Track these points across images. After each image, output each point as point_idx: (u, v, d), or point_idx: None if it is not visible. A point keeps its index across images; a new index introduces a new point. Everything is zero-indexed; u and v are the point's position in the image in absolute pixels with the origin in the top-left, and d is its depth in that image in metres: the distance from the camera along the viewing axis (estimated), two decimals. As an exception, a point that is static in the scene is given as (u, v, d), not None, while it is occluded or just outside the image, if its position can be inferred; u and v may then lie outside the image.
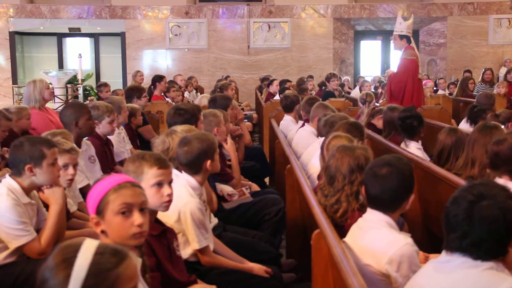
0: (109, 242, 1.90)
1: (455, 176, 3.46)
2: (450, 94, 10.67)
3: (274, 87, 10.34)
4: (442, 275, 1.95)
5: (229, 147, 4.43)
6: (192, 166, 3.03)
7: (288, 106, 6.45)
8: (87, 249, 1.40)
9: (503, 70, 12.55)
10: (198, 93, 11.65)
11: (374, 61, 16.49)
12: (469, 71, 13.16)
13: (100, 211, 1.95)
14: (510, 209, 1.87)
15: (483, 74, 11.36)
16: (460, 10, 15.13)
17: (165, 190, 2.45)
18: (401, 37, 7.41)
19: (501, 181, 3.07)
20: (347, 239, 2.59)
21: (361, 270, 2.32)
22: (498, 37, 15.10)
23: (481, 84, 10.87)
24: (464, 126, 5.57)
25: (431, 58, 15.86)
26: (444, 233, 1.97)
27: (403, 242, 2.35)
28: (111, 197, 1.93)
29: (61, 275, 1.36)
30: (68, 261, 1.37)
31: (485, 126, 3.73)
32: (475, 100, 7.20)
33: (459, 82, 10.83)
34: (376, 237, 2.43)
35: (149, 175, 2.41)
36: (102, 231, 1.95)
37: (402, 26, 7.46)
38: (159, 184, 2.43)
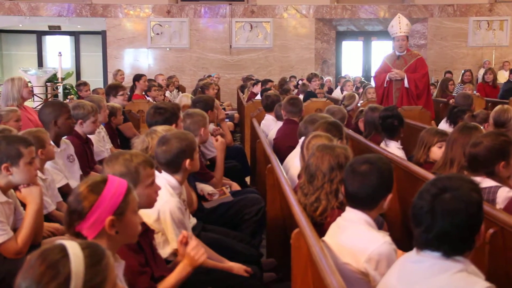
0: (115, 243, 1.96)
1: (435, 176, 3.48)
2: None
3: (259, 88, 10.34)
4: (415, 284, 1.95)
5: (219, 145, 4.40)
6: (171, 165, 3.02)
7: (269, 105, 6.45)
8: (73, 247, 1.44)
9: (482, 72, 12.70)
10: (180, 92, 11.60)
11: (355, 61, 16.58)
12: (449, 72, 13.30)
13: (121, 212, 1.95)
14: (473, 202, 1.88)
15: (462, 75, 11.48)
16: (440, 12, 15.29)
17: (156, 187, 2.50)
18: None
19: (478, 180, 3.09)
20: (326, 238, 2.59)
21: (340, 269, 2.32)
22: (478, 39, 15.28)
23: (461, 85, 10.96)
24: (444, 126, 5.62)
25: (412, 59, 15.98)
26: (413, 228, 1.97)
27: (381, 241, 2.36)
28: (130, 197, 1.98)
29: (55, 282, 1.37)
30: (55, 265, 1.39)
31: (465, 126, 3.75)
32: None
33: (439, 83, 10.93)
34: (354, 236, 2.44)
35: (145, 176, 2.43)
36: (116, 232, 1.95)
37: (408, 27, 7.64)
38: (152, 183, 2.47)
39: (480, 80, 12.37)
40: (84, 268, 1.41)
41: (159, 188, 2.54)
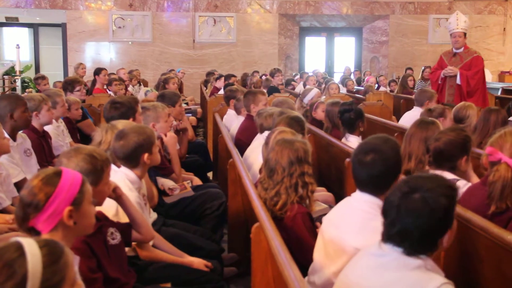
0: (71, 234, 1.95)
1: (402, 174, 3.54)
2: (392, 91, 10.92)
3: (222, 82, 10.31)
4: (374, 276, 1.97)
5: (169, 140, 4.35)
6: (129, 160, 2.98)
7: (231, 100, 6.44)
8: (31, 245, 1.41)
9: (441, 68, 12.93)
10: (142, 87, 11.47)
11: (318, 57, 16.70)
12: (410, 68, 13.52)
13: (78, 202, 1.94)
14: (440, 206, 1.88)
15: (422, 72, 11.69)
16: (401, 9, 15.53)
17: (110, 183, 2.50)
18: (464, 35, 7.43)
19: (438, 173, 3.16)
20: (331, 215, 2.61)
21: (345, 250, 2.38)
22: (438, 36, 15.58)
23: (421, 81, 11.17)
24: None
25: (374, 56, 16.21)
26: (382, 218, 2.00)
27: None
28: (85, 188, 1.98)
29: (10, 282, 1.34)
30: (11, 265, 1.36)
31: (423, 121, 3.81)
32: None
33: (399, 80, 11.11)
34: (366, 223, 2.41)
35: (107, 173, 2.44)
36: (74, 223, 1.93)
37: (466, 24, 7.46)
38: (108, 180, 2.47)
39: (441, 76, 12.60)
40: (41, 267, 1.38)
41: (112, 183, 2.52)
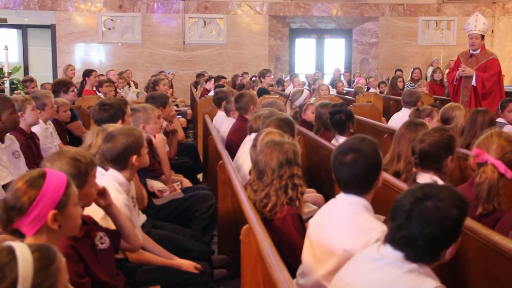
0: (56, 237, 1.93)
1: (383, 172, 3.54)
2: (381, 92, 10.97)
3: (212, 84, 10.30)
4: (366, 278, 1.98)
5: (158, 141, 4.34)
6: (117, 162, 2.96)
7: (221, 102, 6.44)
8: (23, 250, 1.40)
9: (431, 70, 13.02)
10: (131, 88, 11.42)
11: (308, 59, 16.74)
12: (400, 70, 13.60)
13: (63, 205, 1.91)
14: (450, 217, 1.88)
15: (412, 73, 11.75)
16: (391, 11, 15.60)
17: (95, 185, 2.47)
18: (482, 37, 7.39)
19: (427, 176, 3.17)
20: (318, 218, 2.61)
21: (335, 252, 2.39)
22: (427, 38, 15.68)
23: (410, 83, 11.22)
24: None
25: (364, 57, 16.28)
26: (388, 221, 2.00)
27: (379, 229, 2.36)
28: (71, 190, 1.95)
29: (1, 286, 1.34)
30: (2, 268, 1.35)
31: (412, 122, 3.83)
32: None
33: (389, 81, 11.16)
34: (352, 224, 2.43)
35: (92, 176, 2.41)
36: (59, 226, 1.91)
37: (485, 26, 7.41)
38: (94, 182, 2.45)
39: (428, 78, 12.69)
40: (32, 272, 1.37)
41: (98, 186, 2.51)
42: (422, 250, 1.89)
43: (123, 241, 2.70)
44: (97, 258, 2.44)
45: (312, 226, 2.63)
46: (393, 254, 1.93)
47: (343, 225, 2.45)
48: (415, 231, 1.87)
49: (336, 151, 2.54)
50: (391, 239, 1.94)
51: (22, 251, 1.40)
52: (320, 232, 2.54)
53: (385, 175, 3.47)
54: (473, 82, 7.25)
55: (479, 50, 7.42)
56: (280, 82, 11.76)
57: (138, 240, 2.81)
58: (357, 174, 2.44)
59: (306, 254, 2.62)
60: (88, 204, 2.46)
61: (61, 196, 1.91)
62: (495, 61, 7.39)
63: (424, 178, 3.18)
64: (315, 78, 10.61)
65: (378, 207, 3.31)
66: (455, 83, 7.47)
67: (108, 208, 2.60)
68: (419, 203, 1.89)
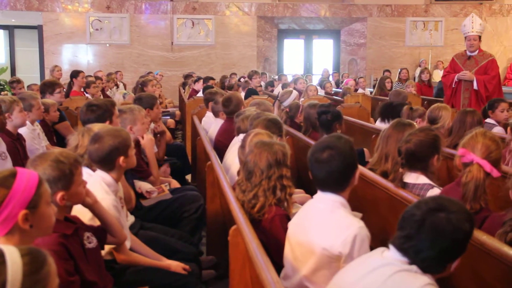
0: (28, 237, 1.88)
1: (370, 172, 3.56)
2: (370, 93, 11.02)
3: (200, 85, 10.30)
4: (361, 276, 1.97)
5: (146, 142, 4.32)
6: (104, 163, 2.95)
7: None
8: (12, 253, 1.38)
9: (418, 70, 13.10)
10: (119, 89, 11.38)
11: (297, 59, 16.77)
12: (388, 70, 13.66)
13: (34, 205, 1.86)
14: (462, 230, 1.87)
15: (399, 73, 11.81)
16: (379, 12, 15.67)
17: (83, 182, 2.47)
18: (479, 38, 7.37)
19: (414, 175, 3.19)
20: (296, 219, 2.62)
21: (314, 252, 2.40)
22: (415, 38, 15.77)
23: (398, 83, 11.28)
24: (380, 124, 5.77)
25: (352, 58, 16.33)
26: (396, 230, 1.97)
27: (356, 225, 2.37)
28: (43, 189, 1.90)
29: None
30: None
31: (399, 122, 3.84)
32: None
33: (377, 82, 11.21)
34: (330, 221, 2.43)
35: (78, 175, 2.39)
36: (31, 226, 1.87)
37: (482, 27, 7.39)
38: (81, 180, 2.44)
39: (416, 79, 12.75)
40: (21, 276, 1.35)
41: (85, 182, 2.49)
42: (430, 261, 1.88)
43: (109, 235, 2.69)
44: (86, 257, 2.43)
45: (292, 228, 2.64)
46: (397, 259, 1.92)
47: (321, 224, 2.47)
48: (426, 241, 1.86)
49: (313, 149, 2.56)
50: (399, 246, 1.92)
51: (12, 254, 1.37)
52: (299, 233, 2.55)
53: (373, 175, 3.49)
54: (475, 87, 7.23)
55: (477, 52, 7.41)
56: (270, 85, 11.76)
57: (123, 233, 2.80)
58: (334, 171, 2.46)
59: (287, 257, 2.62)
60: (79, 202, 2.44)
61: (32, 195, 1.86)
62: (494, 62, 7.39)
63: (411, 177, 3.21)
64: (296, 78, 10.58)
65: (366, 208, 3.34)
66: (453, 86, 7.43)
67: (94, 205, 2.59)
68: (433, 214, 1.88)
